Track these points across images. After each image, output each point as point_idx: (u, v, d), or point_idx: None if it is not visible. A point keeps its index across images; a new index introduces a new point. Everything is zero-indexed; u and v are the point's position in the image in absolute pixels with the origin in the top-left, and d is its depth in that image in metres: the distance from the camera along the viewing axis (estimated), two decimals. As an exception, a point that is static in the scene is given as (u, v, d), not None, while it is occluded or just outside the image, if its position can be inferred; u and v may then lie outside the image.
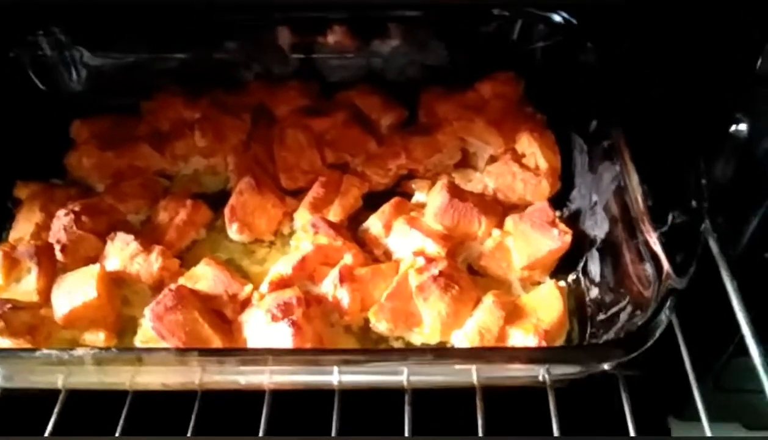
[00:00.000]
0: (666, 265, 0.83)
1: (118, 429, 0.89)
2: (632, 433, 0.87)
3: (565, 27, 1.25)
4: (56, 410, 0.91)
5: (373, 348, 0.96)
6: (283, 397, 0.92)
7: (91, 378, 0.92)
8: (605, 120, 1.09)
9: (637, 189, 0.96)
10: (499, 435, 0.90)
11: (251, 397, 0.92)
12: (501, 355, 0.86)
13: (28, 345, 0.96)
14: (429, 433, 0.93)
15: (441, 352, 0.90)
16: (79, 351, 0.79)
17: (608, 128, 1.07)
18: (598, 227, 1.03)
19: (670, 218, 0.91)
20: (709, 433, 0.88)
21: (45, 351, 0.80)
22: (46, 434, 0.88)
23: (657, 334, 0.80)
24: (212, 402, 0.94)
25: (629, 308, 0.89)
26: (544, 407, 0.90)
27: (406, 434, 0.86)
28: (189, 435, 0.88)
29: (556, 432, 0.88)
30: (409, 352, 0.91)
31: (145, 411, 0.93)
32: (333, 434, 0.87)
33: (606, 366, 0.83)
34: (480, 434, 0.87)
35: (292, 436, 0.93)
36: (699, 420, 0.89)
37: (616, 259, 0.97)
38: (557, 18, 1.25)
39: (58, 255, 1.06)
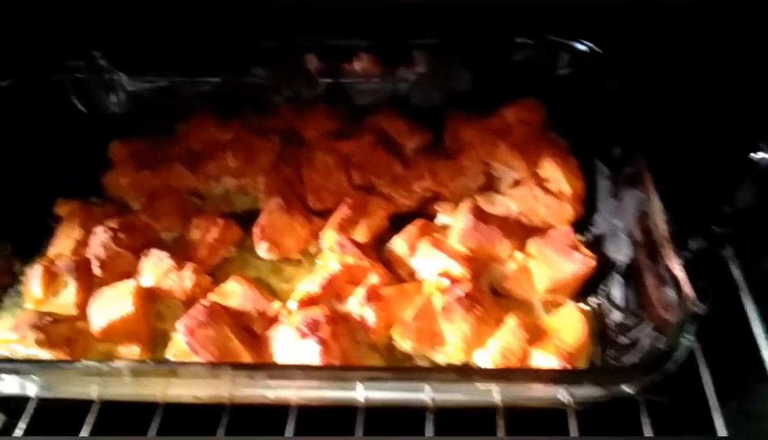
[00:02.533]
0: (688, 290, 0.85)
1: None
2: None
3: (590, 56, 1.28)
4: (90, 421, 0.95)
5: (399, 366, 0.98)
6: (308, 413, 0.95)
7: (125, 389, 0.96)
8: (628, 147, 1.11)
9: (659, 215, 0.97)
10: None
11: (278, 412, 0.95)
12: (524, 375, 0.87)
13: (66, 357, 1.00)
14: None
15: (467, 371, 0.91)
16: (118, 363, 0.83)
17: (631, 155, 1.09)
18: (620, 252, 1.04)
19: (692, 244, 0.92)
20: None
21: (86, 362, 0.84)
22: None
23: (679, 358, 0.81)
24: (240, 416, 0.97)
25: (652, 333, 0.89)
26: (565, 430, 0.92)
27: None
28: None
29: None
30: (435, 371, 0.93)
31: (175, 423, 0.96)
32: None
33: (628, 389, 0.84)
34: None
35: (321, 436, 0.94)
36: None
37: (638, 284, 0.98)
38: (582, 47, 1.28)
39: (96, 270, 1.11)
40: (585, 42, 1.29)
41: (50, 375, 0.89)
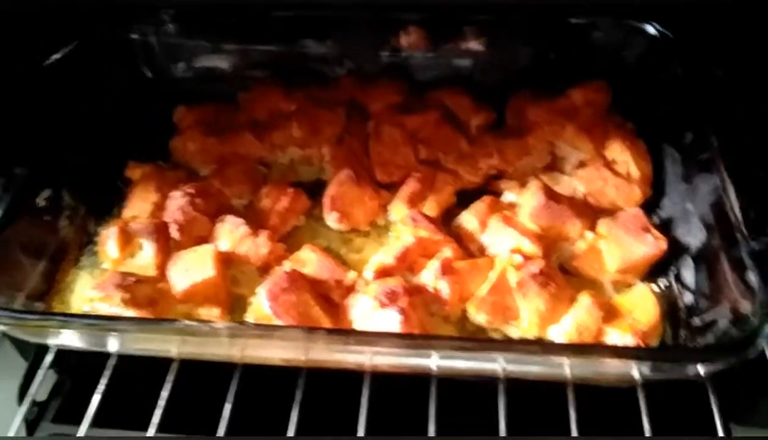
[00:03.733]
0: (771, 276, 0.87)
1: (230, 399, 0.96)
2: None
3: (660, 39, 1.27)
4: (170, 378, 0.99)
5: (478, 338, 1.01)
6: (381, 379, 0.98)
7: (206, 348, 0.99)
8: (700, 132, 1.12)
9: (736, 202, 0.99)
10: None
11: (351, 376, 0.98)
12: (603, 351, 0.90)
13: (149, 316, 1.03)
14: (520, 424, 0.97)
15: (551, 345, 0.95)
16: (219, 324, 0.87)
17: (704, 140, 1.10)
18: (692, 236, 1.06)
19: (770, 231, 0.94)
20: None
21: (187, 322, 0.87)
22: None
23: (761, 344, 0.83)
24: (315, 379, 1.00)
25: (728, 317, 0.92)
26: (633, 408, 0.95)
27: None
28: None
29: (647, 431, 0.92)
30: (518, 342, 0.96)
31: (252, 383, 1.00)
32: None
33: (703, 370, 0.87)
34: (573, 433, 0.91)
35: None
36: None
37: (712, 268, 1.00)
38: (651, 30, 1.28)
39: (174, 234, 1.13)
40: (655, 25, 1.29)
41: (146, 332, 0.91)
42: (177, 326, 0.88)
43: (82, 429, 0.93)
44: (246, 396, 0.99)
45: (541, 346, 0.92)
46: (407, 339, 0.91)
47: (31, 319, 0.94)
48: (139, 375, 1.02)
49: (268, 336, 0.87)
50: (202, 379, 1.00)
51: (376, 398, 0.96)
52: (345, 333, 0.94)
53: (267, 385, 1.01)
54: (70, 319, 0.95)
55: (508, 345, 0.94)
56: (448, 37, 1.39)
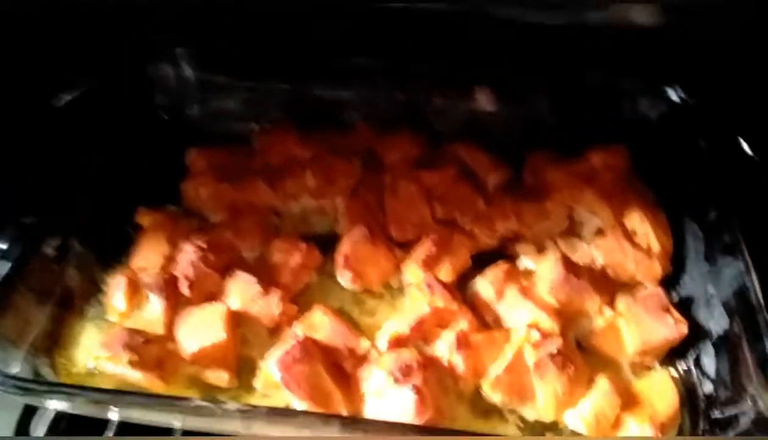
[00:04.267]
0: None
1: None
2: None
3: (681, 106, 1.26)
4: None
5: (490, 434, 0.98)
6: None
7: (211, 425, 0.96)
8: (723, 211, 1.10)
9: (761, 291, 0.97)
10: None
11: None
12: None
13: (157, 380, 1.01)
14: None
15: None
16: (230, 405, 0.84)
17: (727, 221, 1.08)
18: (714, 321, 1.04)
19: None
20: None
21: (198, 402, 0.85)
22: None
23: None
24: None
25: (750, 416, 0.90)
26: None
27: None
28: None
29: None
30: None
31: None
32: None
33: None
34: None
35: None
36: None
37: (734, 358, 0.98)
38: (674, 97, 1.26)
39: (185, 290, 1.10)
40: (678, 89, 1.27)
41: (157, 409, 0.89)
42: (188, 406, 0.85)
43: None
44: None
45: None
46: (424, 434, 0.88)
47: (33, 389, 0.91)
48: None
49: (283, 422, 0.84)
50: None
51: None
52: (361, 423, 0.91)
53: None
54: (73, 391, 0.92)
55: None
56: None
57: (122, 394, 0.93)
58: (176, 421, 0.96)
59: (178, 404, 0.87)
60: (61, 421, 1.11)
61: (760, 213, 1.09)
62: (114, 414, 0.98)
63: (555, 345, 1.01)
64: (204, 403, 0.84)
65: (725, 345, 1.01)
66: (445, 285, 1.11)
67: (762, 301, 0.96)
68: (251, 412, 0.85)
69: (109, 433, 1.02)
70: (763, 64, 1.14)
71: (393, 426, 0.88)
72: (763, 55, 1.12)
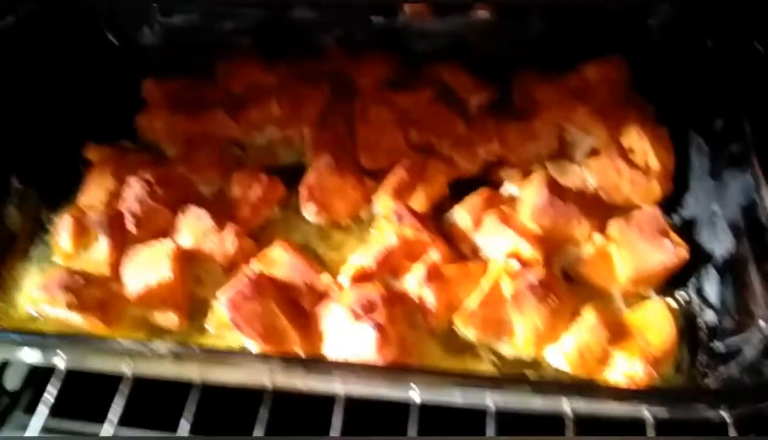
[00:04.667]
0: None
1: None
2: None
3: (687, 3, 1.11)
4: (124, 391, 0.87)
5: (465, 372, 0.88)
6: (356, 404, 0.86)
7: (162, 368, 0.87)
8: (733, 119, 0.97)
9: (773, 206, 0.84)
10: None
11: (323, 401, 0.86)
12: (604, 393, 0.78)
13: (99, 322, 0.93)
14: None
15: (540, 385, 0.81)
16: (157, 345, 0.76)
17: (736, 130, 0.95)
18: (718, 242, 0.92)
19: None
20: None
21: (121, 341, 0.76)
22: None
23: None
24: (282, 402, 0.88)
25: (757, 345, 0.78)
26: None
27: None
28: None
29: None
30: (505, 381, 0.83)
31: (213, 404, 0.88)
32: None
33: (726, 414, 0.74)
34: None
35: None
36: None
37: (740, 282, 0.86)
38: (676, -3, 1.11)
39: (131, 227, 1.01)
40: (684, -8, 1.12)
41: (79, 350, 0.80)
42: (116, 347, 0.76)
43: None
44: (206, 416, 0.88)
45: (531, 385, 0.79)
46: (381, 372, 0.78)
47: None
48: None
49: (218, 361, 0.75)
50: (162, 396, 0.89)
51: (350, 419, 0.85)
52: (305, 362, 0.82)
53: (229, 406, 0.90)
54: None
55: (496, 382, 0.82)
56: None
57: (41, 337, 0.84)
58: (123, 366, 0.88)
59: (94, 343, 0.78)
60: (35, 374, 1.06)
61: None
62: (59, 362, 0.90)
63: (535, 274, 0.90)
64: (131, 344, 0.75)
65: (730, 269, 0.89)
66: (415, 214, 1.00)
67: (772, 216, 0.84)
68: (183, 353, 0.75)
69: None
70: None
71: (342, 366, 0.78)
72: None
